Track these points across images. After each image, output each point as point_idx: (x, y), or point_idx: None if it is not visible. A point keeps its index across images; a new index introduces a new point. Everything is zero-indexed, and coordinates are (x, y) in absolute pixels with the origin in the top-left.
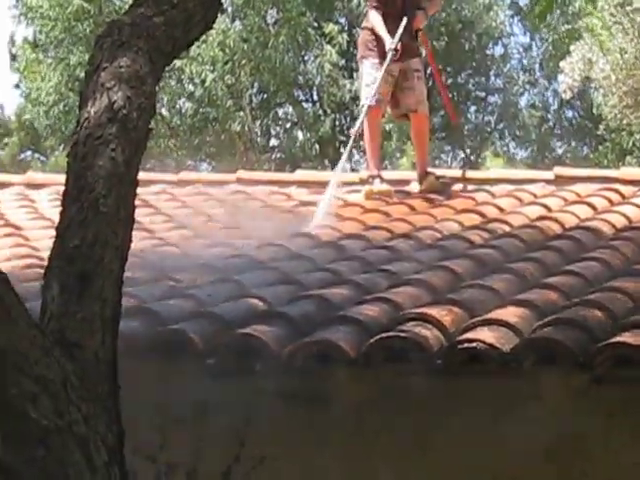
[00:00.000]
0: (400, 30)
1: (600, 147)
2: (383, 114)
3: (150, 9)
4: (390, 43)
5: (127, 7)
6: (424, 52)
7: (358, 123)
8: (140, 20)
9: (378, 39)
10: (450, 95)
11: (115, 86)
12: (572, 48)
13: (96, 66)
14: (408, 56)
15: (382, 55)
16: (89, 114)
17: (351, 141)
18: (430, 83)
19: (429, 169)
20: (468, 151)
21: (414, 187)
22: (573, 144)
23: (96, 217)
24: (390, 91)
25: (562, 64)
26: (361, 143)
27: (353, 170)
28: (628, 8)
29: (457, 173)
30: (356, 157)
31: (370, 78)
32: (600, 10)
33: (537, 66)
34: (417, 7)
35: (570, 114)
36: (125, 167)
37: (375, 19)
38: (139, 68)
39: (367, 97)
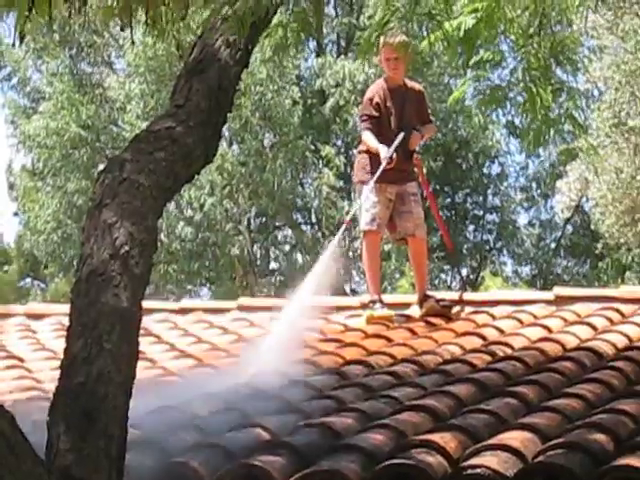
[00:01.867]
0: (396, 142)
1: (600, 263)
2: (381, 237)
3: (151, 144)
4: (386, 152)
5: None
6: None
7: (339, 233)
8: (141, 156)
9: (374, 162)
10: (445, 219)
11: (117, 223)
12: (568, 168)
13: (98, 202)
14: (405, 180)
15: (379, 178)
16: (92, 250)
17: (343, 227)
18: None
19: (428, 292)
20: (467, 270)
21: (414, 310)
22: (572, 261)
23: (100, 353)
24: (388, 215)
25: (559, 184)
26: (359, 265)
27: (353, 292)
28: (623, 128)
29: (455, 295)
30: (356, 279)
31: (370, 202)
32: (596, 129)
33: (534, 184)
34: (412, 128)
35: (568, 232)
36: (128, 303)
37: (368, 138)
38: (140, 204)
39: (366, 222)
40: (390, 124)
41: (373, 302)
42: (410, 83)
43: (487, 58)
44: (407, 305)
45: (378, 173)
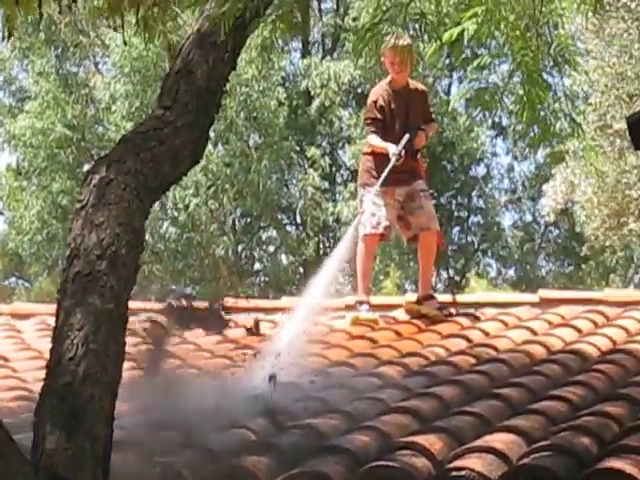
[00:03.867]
0: (403, 141)
1: (584, 266)
2: (387, 239)
3: (138, 146)
4: (394, 149)
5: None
6: None
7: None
8: (127, 157)
9: (379, 165)
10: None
11: (104, 223)
12: (554, 171)
13: (84, 203)
14: (412, 178)
15: (387, 182)
16: (79, 251)
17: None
18: None
19: (432, 293)
20: (452, 272)
21: (400, 313)
22: (557, 263)
23: (86, 354)
24: (396, 216)
25: (545, 187)
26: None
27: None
28: (608, 131)
29: (446, 297)
30: (340, 280)
31: (374, 208)
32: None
33: (520, 187)
34: (417, 128)
35: (554, 234)
36: (114, 303)
37: (375, 140)
38: (127, 205)
39: (372, 226)
40: (394, 126)
41: (360, 303)
42: (413, 83)
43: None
44: (392, 307)
45: (387, 170)
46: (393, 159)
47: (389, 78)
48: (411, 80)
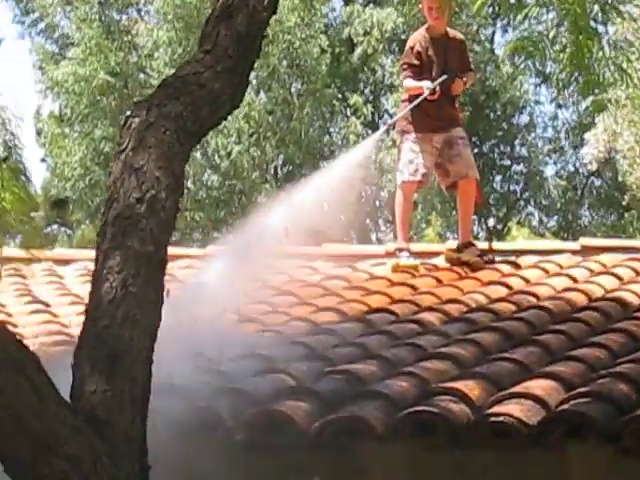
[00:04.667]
0: (439, 79)
1: (627, 215)
2: (426, 185)
3: (177, 89)
4: (429, 84)
5: (152, 81)
6: None
7: (379, 132)
8: (167, 101)
9: (416, 111)
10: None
11: (143, 167)
12: (597, 120)
13: (124, 147)
14: (450, 125)
15: (425, 128)
16: (118, 194)
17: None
18: None
19: (472, 240)
20: (494, 220)
21: (440, 261)
22: (600, 213)
23: (125, 297)
24: (434, 162)
25: (587, 136)
26: (386, 213)
27: (379, 242)
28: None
29: (484, 245)
30: (382, 228)
31: (412, 155)
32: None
33: (563, 135)
34: (455, 74)
35: (596, 183)
36: (154, 247)
37: (409, 83)
38: (167, 149)
39: (410, 173)
40: (431, 72)
41: (400, 250)
42: (452, 32)
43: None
44: (433, 254)
45: (418, 102)
46: (426, 92)
47: (427, 25)
48: (450, 29)
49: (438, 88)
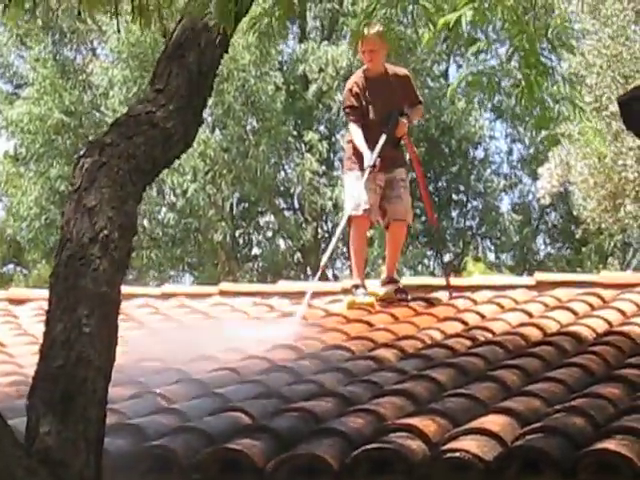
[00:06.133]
0: (378, 147)
1: (583, 249)
2: (372, 224)
3: (130, 129)
4: (368, 160)
5: (107, 119)
6: (408, 155)
7: (325, 256)
8: (120, 140)
9: (360, 154)
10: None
11: (96, 207)
12: (550, 154)
13: (77, 187)
14: (393, 166)
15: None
16: (71, 235)
17: (319, 272)
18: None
19: (396, 277)
20: (450, 256)
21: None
22: (555, 246)
23: (79, 337)
24: (378, 201)
25: (540, 170)
26: (345, 250)
27: (335, 278)
28: (604, 113)
29: (441, 281)
30: (338, 264)
31: (354, 189)
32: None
33: (518, 170)
34: (399, 114)
35: (551, 217)
36: (107, 287)
37: (354, 133)
38: (120, 188)
39: (352, 208)
40: (371, 114)
41: (356, 287)
42: (393, 69)
43: (479, 48)
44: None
45: (363, 180)
46: (367, 171)
47: (364, 67)
48: (391, 65)
49: (378, 160)
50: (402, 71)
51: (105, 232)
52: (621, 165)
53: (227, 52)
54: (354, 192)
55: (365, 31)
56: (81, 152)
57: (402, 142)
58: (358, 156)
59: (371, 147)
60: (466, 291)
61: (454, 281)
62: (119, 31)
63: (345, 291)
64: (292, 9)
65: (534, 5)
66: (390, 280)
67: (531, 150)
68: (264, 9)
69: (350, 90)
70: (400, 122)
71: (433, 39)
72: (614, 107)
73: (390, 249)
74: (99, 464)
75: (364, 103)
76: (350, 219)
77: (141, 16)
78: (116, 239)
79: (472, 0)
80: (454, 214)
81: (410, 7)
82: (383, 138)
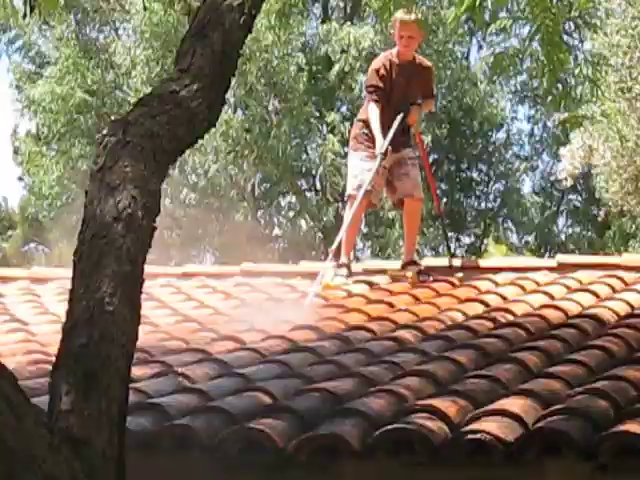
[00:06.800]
0: (391, 133)
1: (607, 232)
2: (371, 206)
3: (154, 108)
4: (380, 147)
5: (129, 100)
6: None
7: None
8: (144, 119)
9: (369, 133)
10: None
11: (120, 186)
12: (572, 135)
13: (100, 165)
14: (401, 147)
15: (371, 148)
16: (94, 213)
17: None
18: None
19: (416, 259)
20: (471, 238)
21: (384, 279)
22: (577, 229)
23: (102, 316)
24: (383, 182)
25: (562, 151)
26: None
27: (357, 260)
28: (628, 95)
29: (459, 261)
30: (360, 244)
31: (357, 170)
32: (600, 96)
33: (539, 150)
34: (412, 102)
35: (573, 199)
36: (130, 265)
37: (372, 114)
38: (143, 167)
39: (353, 187)
40: (391, 97)
41: (340, 266)
42: (419, 59)
43: (503, 25)
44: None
45: (375, 168)
46: (378, 159)
47: (396, 49)
48: (418, 55)
49: (390, 149)
50: (426, 62)
51: (128, 211)
52: None
53: (251, 33)
54: (357, 172)
55: (406, 17)
56: (104, 130)
57: (412, 129)
58: (366, 136)
59: (384, 130)
60: (487, 272)
61: (474, 262)
62: (145, 9)
63: (366, 272)
64: None
65: None
66: (410, 262)
67: (553, 131)
68: None
69: (377, 70)
70: (413, 109)
71: (458, 18)
72: (639, 88)
73: (407, 228)
74: (122, 442)
75: (387, 86)
76: (349, 198)
77: None
78: (139, 218)
79: None
80: (475, 196)
81: None
82: (397, 121)
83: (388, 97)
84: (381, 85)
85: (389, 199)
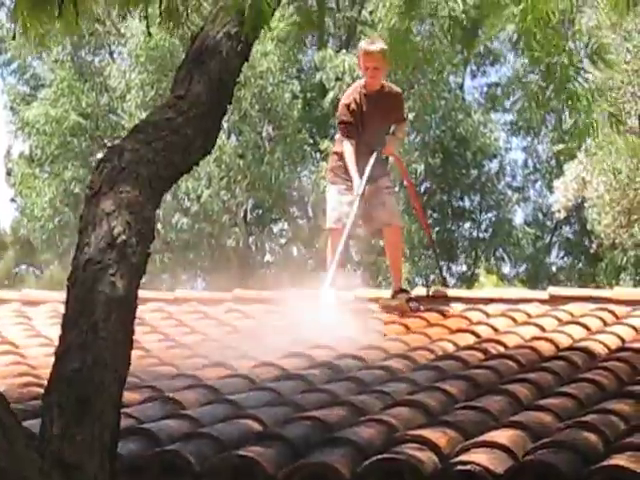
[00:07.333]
0: (367, 171)
1: (599, 264)
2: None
3: (150, 135)
4: (357, 187)
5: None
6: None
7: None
8: (140, 146)
9: (344, 165)
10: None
11: (115, 212)
12: (566, 167)
13: (96, 191)
14: (377, 177)
15: (348, 181)
16: (89, 239)
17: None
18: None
19: (403, 287)
20: (462, 267)
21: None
22: (569, 261)
23: (95, 341)
24: (361, 212)
25: (556, 183)
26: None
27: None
28: (621, 128)
29: (455, 292)
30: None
31: (336, 202)
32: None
33: (532, 181)
34: (387, 132)
35: (565, 230)
36: (124, 291)
37: (347, 151)
38: (138, 194)
39: (332, 221)
40: (364, 130)
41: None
42: (388, 87)
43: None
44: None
45: (355, 211)
46: (357, 201)
47: (363, 81)
48: (386, 83)
49: (367, 188)
50: (395, 89)
51: (123, 237)
52: (638, 181)
53: (247, 61)
54: (335, 204)
55: (371, 47)
56: (101, 157)
57: (390, 159)
58: (343, 170)
59: (360, 165)
60: (479, 304)
61: (467, 293)
62: (150, 35)
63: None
64: (310, 20)
65: (571, 20)
66: (399, 290)
67: (545, 164)
68: (283, 16)
69: (347, 106)
70: (388, 140)
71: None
72: (632, 122)
73: (390, 257)
74: (114, 468)
75: (358, 119)
76: (330, 231)
77: (170, 19)
78: (134, 244)
79: (513, 15)
80: (467, 226)
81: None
82: (372, 160)
83: (362, 129)
84: (352, 121)
85: (365, 229)
